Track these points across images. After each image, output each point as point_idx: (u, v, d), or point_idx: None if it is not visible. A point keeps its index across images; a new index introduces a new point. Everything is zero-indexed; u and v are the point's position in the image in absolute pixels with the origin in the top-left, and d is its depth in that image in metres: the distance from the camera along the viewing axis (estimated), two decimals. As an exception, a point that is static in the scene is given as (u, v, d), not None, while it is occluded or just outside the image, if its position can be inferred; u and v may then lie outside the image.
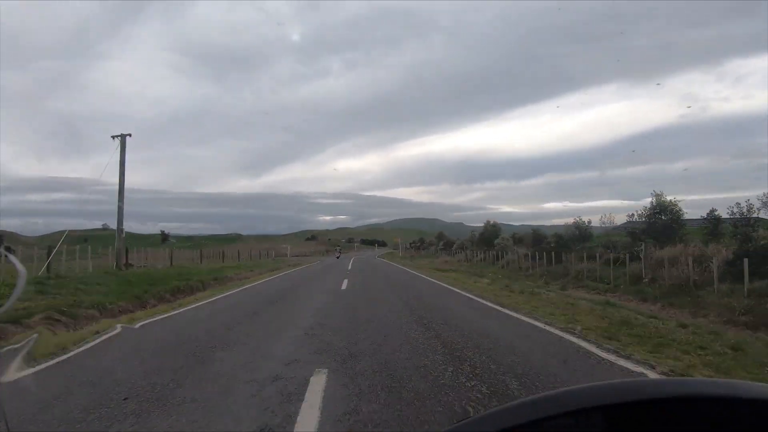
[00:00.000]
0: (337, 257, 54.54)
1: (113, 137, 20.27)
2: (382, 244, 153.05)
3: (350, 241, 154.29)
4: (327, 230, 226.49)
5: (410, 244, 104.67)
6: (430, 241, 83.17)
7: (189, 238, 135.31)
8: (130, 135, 20.47)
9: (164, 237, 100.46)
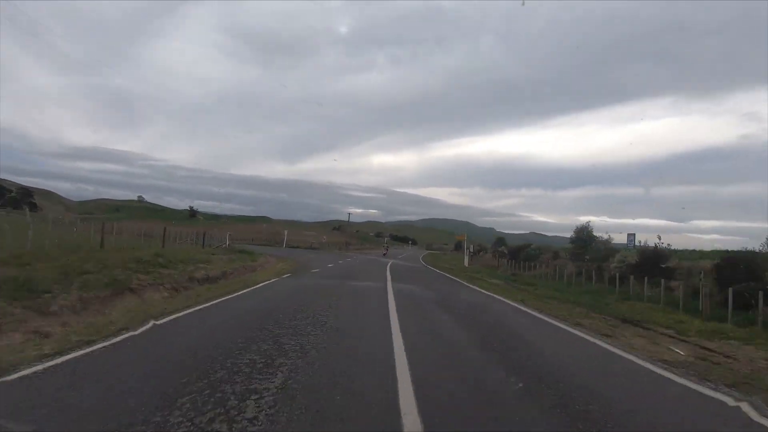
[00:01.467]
0: (384, 254, 51.35)
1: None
2: (413, 242, 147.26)
3: (379, 235, 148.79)
4: (355, 222, 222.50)
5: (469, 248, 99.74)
6: (481, 246, 73.64)
7: (217, 217, 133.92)
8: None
9: (192, 213, 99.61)
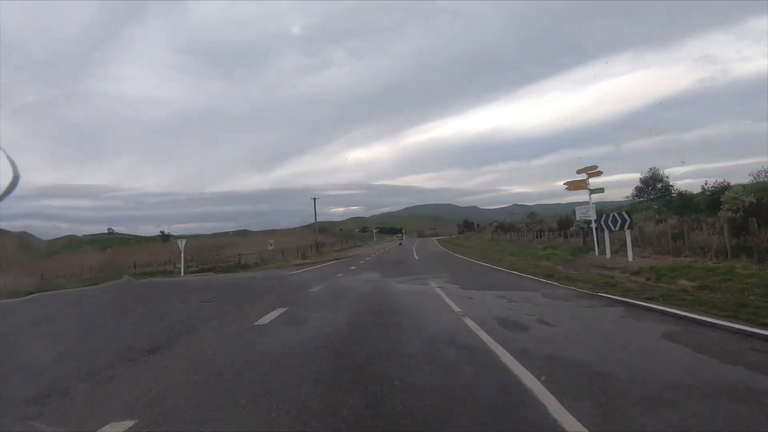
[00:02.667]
0: (400, 244, 64.62)
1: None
2: (399, 231, 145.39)
3: (364, 230, 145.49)
4: (337, 221, 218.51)
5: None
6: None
7: (195, 237, 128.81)
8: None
9: (165, 237, 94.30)
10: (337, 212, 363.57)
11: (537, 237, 36.41)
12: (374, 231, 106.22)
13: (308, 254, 35.19)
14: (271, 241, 31.23)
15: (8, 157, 2.40)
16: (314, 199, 48.99)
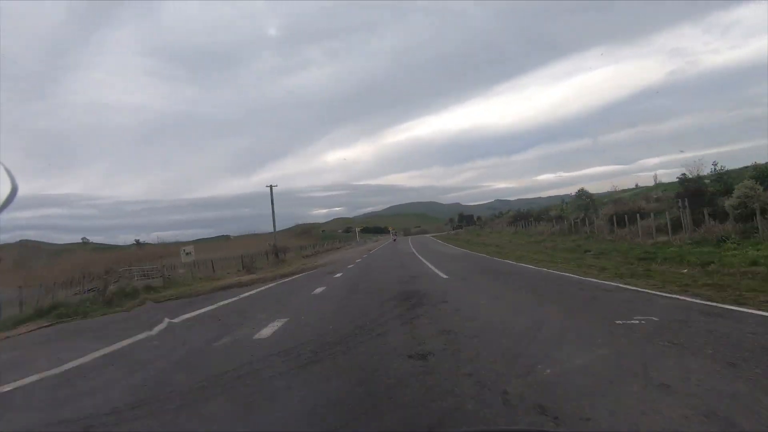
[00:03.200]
0: (394, 240, 65.70)
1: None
2: (385, 231, 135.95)
3: (347, 231, 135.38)
4: (319, 223, 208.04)
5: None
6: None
7: (173, 245, 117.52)
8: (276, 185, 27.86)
9: (140, 245, 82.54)
10: (320, 214, 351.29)
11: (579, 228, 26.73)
12: (357, 230, 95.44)
13: (259, 265, 24.50)
14: (187, 249, 20.03)
15: (6, 169, 2.36)
16: (270, 186, 38.36)
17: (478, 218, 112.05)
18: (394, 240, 64.75)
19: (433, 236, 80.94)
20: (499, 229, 55.77)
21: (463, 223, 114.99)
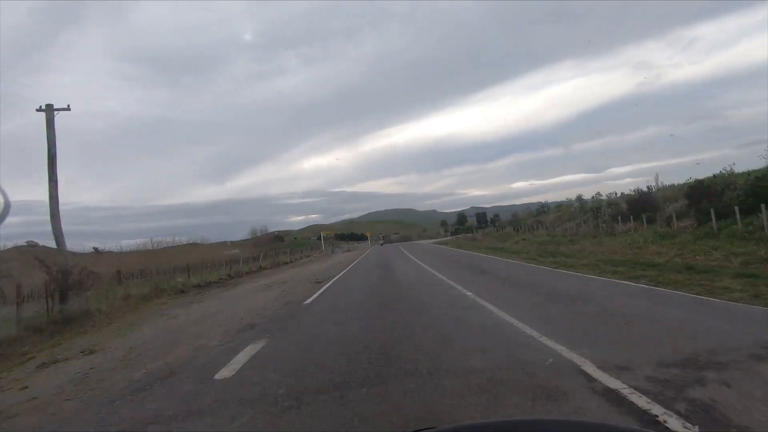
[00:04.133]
0: (381, 244, 63.81)
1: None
2: (362, 238, 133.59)
3: (319, 238, 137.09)
4: (293, 230, 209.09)
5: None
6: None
7: (129, 253, 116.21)
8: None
9: (98, 253, 78.43)
10: (296, 221, 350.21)
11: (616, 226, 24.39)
12: (322, 234, 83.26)
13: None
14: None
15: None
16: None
17: (496, 217, 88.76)
18: (382, 244, 58.64)
19: (436, 243, 57.63)
20: (537, 236, 34.37)
21: (481, 224, 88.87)
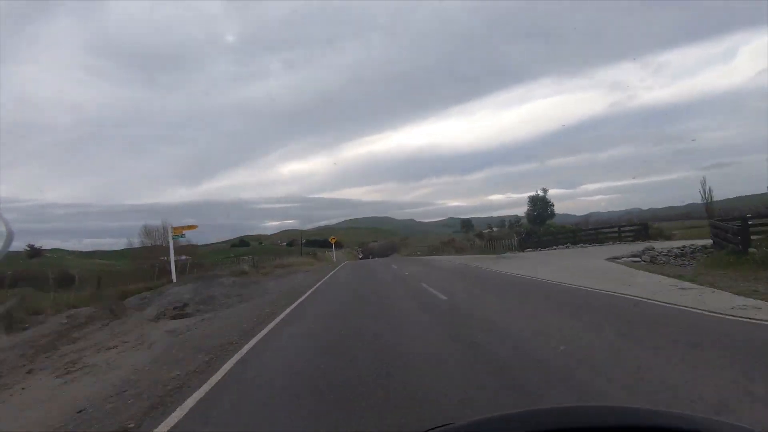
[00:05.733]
0: (362, 257, 57.48)
1: None
2: (338, 246, 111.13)
3: (291, 245, 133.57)
4: (268, 235, 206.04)
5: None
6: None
7: (90, 254, 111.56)
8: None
9: (33, 253, 68.61)
10: (271, 226, 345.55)
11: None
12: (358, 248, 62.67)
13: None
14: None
15: (3, 218, 2.22)
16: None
17: (490, 228, 62.62)
18: (362, 257, 45.60)
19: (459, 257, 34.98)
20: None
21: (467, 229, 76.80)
